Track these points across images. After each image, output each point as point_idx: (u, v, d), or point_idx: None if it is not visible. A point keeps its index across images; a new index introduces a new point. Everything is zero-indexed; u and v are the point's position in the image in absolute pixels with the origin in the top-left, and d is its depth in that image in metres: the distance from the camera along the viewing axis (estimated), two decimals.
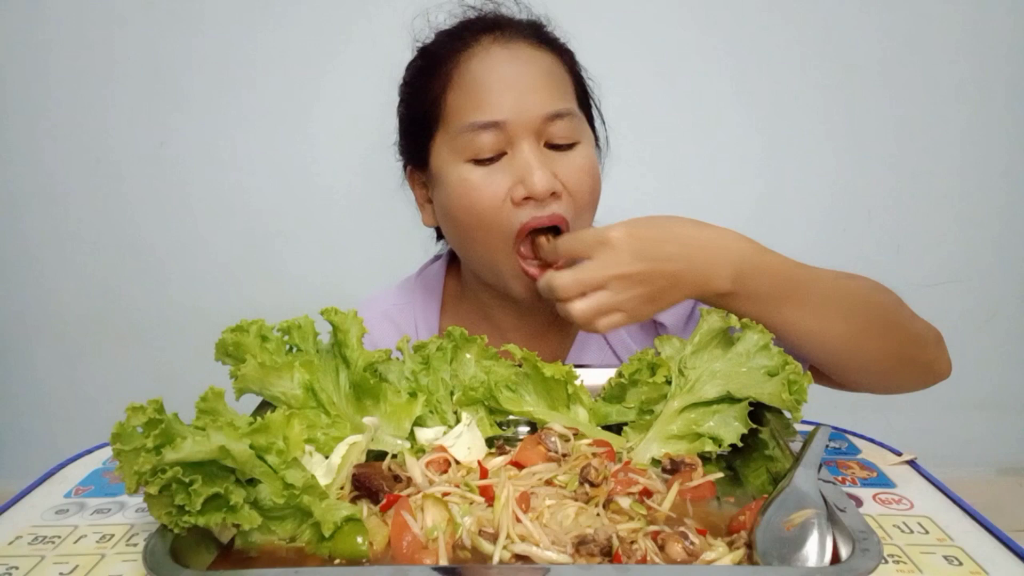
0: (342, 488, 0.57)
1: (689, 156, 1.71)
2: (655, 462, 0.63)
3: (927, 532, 0.54)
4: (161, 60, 1.67)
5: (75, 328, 1.85)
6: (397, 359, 0.72)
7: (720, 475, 0.60)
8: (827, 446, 0.58)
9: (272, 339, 0.66)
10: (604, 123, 0.90)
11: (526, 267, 0.77)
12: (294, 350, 0.67)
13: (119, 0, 1.63)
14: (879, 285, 0.74)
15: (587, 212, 0.81)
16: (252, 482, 0.51)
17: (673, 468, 0.60)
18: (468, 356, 0.72)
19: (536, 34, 0.82)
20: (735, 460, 0.64)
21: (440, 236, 0.95)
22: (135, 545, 0.55)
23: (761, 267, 0.68)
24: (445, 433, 0.66)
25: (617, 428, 0.69)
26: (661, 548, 0.48)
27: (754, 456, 0.62)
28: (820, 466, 0.53)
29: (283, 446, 0.52)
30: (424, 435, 0.66)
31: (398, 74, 0.88)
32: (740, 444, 0.62)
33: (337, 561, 0.50)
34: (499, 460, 0.62)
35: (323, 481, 0.56)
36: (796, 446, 0.57)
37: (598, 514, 0.53)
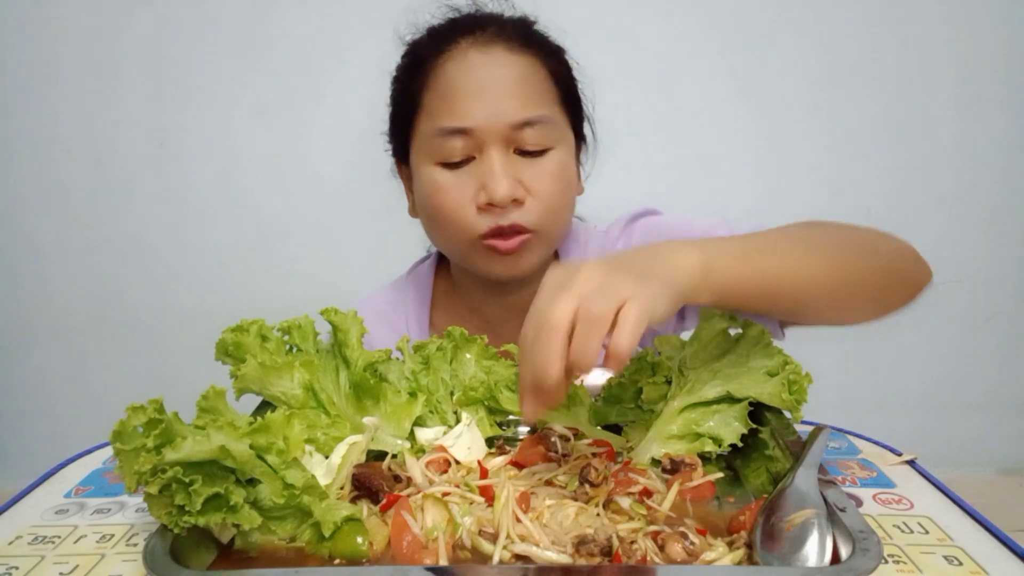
0: (342, 488, 0.57)
1: (688, 156, 1.71)
2: (655, 462, 0.63)
3: (927, 532, 0.54)
4: (162, 60, 1.67)
5: (76, 328, 1.85)
6: (397, 359, 0.72)
7: (720, 475, 0.60)
8: (827, 446, 0.58)
9: (272, 339, 0.66)
10: (592, 122, 0.91)
11: (494, 244, 0.79)
12: (294, 350, 0.67)
13: (120, 0, 1.63)
14: (840, 223, 0.73)
15: (556, 216, 0.82)
16: (252, 482, 0.51)
17: (673, 468, 0.60)
18: (468, 356, 0.72)
19: (521, 34, 0.81)
20: (735, 460, 0.64)
21: None
22: (135, 545, 0.55)
23: (721, 239, 0.64)
24: (445, 433, 0.66)
25: (617, 428, 0.69)
26: (661, 548, 0.48)
27: (754, 456, 0.62)
28: (820, 466, 0.53)
29: (283, 446, 0.52)
30: (424, 435, 0.66)
31: None
32: (740, 444, 0.62)
33: (337, 561, 0.50)
34: (499, 460, 0.62)
35: (323, 481, 0.56)
36: (796, 446, 0.57)
37: (598, 514, 0.53)
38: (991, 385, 1.85)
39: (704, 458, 0.63)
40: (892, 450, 0.70)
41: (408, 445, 0.65)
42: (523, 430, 0.71)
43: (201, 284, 1.80)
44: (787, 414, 0.63)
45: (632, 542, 0.48)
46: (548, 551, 0.48)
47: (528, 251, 0.82)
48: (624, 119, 1.63)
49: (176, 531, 0.47)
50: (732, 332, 0.67)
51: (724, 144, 1.69)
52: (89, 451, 0.75)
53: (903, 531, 0.54)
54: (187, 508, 0.46)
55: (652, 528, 0.51)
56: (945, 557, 0.50)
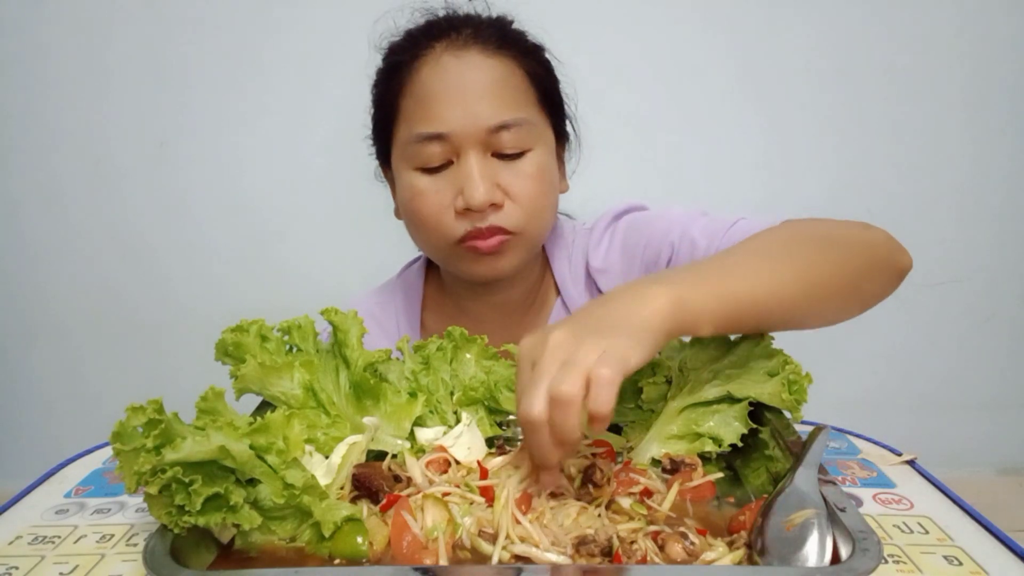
0: (342, 488, 0.57)
1: (689, 156, 1.71)
2: (655, 462, 0.63)
3: (927, 532, 0.54)
4: (161, 60, 1.67)
5: (75, 328, 1.85)
6: (397, 359, 0.72)
7: (720, 475, 0.60)
8: (827, 446, 0.58)
9: (272, 339, 0.66)
10: (575, 120, 0.91)
11: (474, 244, 0.80)
12: (294, 350, 0.67)
13: (119, 1, 1.63)
14: (808, 220, 0.72)
15: (537, 217, 0.83)
16: (252, 482, 0.51)
17: (673, 468, 0.60)
18: (468, 356, 0.72)
19: (497, 35, 0.82)
20: (735, 460, 0.64)
21: None
22: (135, 545, 0.55)
23: (687, 268, 0.64)
24: (445, 433, 0.66)
25: (617, 428, 0.69)
26: (661, 548, 0.48)
27: (754, 456, 0.62)
28: (820, 466, 0.53)
29: (283, 446, 0.52)
30: (424, 435, 0.66)
31: None
32: (740, 444, 0.62)
33: (337, 561, 0.50)
34: (499, 460, 0.62)
35: (323, 481, 0.56)
36: (796, 446, 0.57)
37: (599, 515, 0.53)
38: (991, 385, 1.85)
39: (704, 458, 0.63)
40: (892, 450, 0.70)
41: (408, 445, 0.65)
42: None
43: (200, 284, 1.80)
44: (787, 414, 0.63)
45: (632, 542, 0.48)
46: (548, 552, 0.48)
47: (508, 252, 0.82)
48: (626, 119, 1.64)
49: (176, 531, 0.47)
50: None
51: (726, 143, 1.69)
52: (89, 451, 0.75)
53: (903, 531, 0.54)
54: (187, 508, 0.46)
55: (652, 528, 0.51)
56: (945, 557, 0.50)
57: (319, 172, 1.72)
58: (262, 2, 1.63)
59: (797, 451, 0.56)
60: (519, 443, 0.64)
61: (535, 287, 0.94)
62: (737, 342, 0.66)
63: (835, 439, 0.72)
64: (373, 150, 0.91)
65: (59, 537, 0.57)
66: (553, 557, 0.48)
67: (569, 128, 0.91)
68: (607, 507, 0.54)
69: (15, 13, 1.64)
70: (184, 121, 1.70)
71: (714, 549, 0.48)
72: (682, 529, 0.49)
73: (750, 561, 0.47)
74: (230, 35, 1.65)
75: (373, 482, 0.56)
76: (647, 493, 0.56)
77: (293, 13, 1.64)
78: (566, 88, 0.88)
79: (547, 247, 0.94)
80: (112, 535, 0.57)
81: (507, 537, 0.49)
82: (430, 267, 1.01)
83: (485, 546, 0.49)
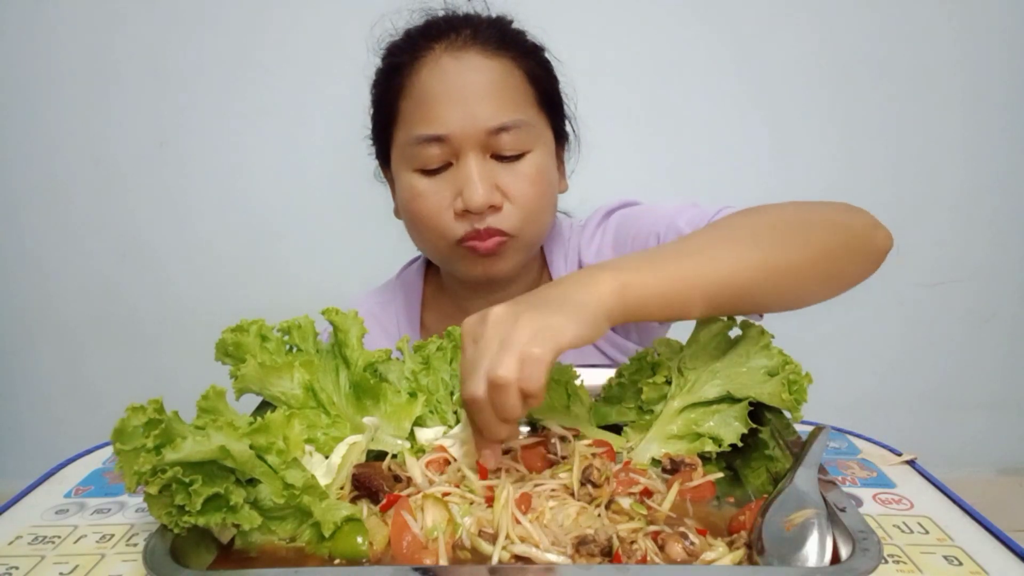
0: (342, 488, 0.57)
1: (688, 155, 1.71)
2: (655, 462, 0.63)
3: (927, 532, 0.54)
4: (161, 60, 1.67)
5: (75, 328, 1.85)
6: (397, 359, 0.72)
7: (720, 475, 0.60)
8: (827, 446, 0.58)
9: (272, 339, 0.66)
10: (574, 120, 0.91)
11: (472, 245, 0.80)
12: (294, 350, 0.67)
13: (120, 0, 1.63)
14: (783, 203, 0.70)
15: (536, 219, 0.83)
16: (252, 482, 0.51)
17: (673, 468, 0.60)
18: None
19: (496, 36, 0.81)
20: (735, 460, 0.64)
21: None
22: (135, 545, 0.55)
23: (639, 254, 0.63)
24: (445, 433, 0.66)
25: (617, 428, 0.69)
26: (661, 548, 0.48)
27: (754, 456, 0.62)
28: (820, 466, 0.53)
29: (283, 446, 0.52)
30: (424, 435, 0.66)
31: None
32: (740, 444, 0.62)
33: (337, 561, 0.50)
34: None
35: (323, 481, 0.56)
36: (796, 446, 0.57)
37: (599, 515, 0.53)
38: (991, 385, 1.85)
39: (704, 458, 0.63)
40: (892, 450, 0.70)
41: (408, 445, 0.65)
42: (523, 430, 0.70)
43: (201, 284, 1.80)
44: (787, 414, 0.63)
45: (632, 542, 0.48)
46: (548, 552, 0.48)
47: (506, 254, 0.82)
48: (626, 119, 1.64)
49: (176, 531, 0.47)
50: (732, 332, 0.67)
51: (725, 143, 1.69)
52: (89, 451, 0.75)
53: (903, 531, 0.54)
54: (187, 508, 0.46)
55: (652, 528, 0.51)
56: (945, 557, 0.50)
57: (319, 172, 1.72)
58: (262, 2, 1.63)
59: (797, 451, 0.56)
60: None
61: (533, 285, 0.94)
62: (737, 341, 0.66)
63: (835, 439, 0.72)
64: (373, 150, 0.91)
65: (59, 537, 0.57)
66: (553, 557, 0.48)
67: (568, 128, 0.91)
68: (607, 507, 0.54)
69: (15, 13, 1.64)
70: (184, 121, 1.70)
71: (714, 549, 0.48)
72: (682, 529, 0.49)
73: (750, 561, 0.47)
74: (230, 35, 1.65)
75: (373, 482, 0.56)
76: (647, 493, 0.56)
77: (293, 13, 1.63)
78: (565, 88, 0.88)
79: (545, 245, 0.94)
80: (112, 535, 0.57)
81: (507, 537, 0.49)
82: (429, 267, 1.01)
83: (485, 546, 0.49)
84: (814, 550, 0.45)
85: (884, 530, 0.54)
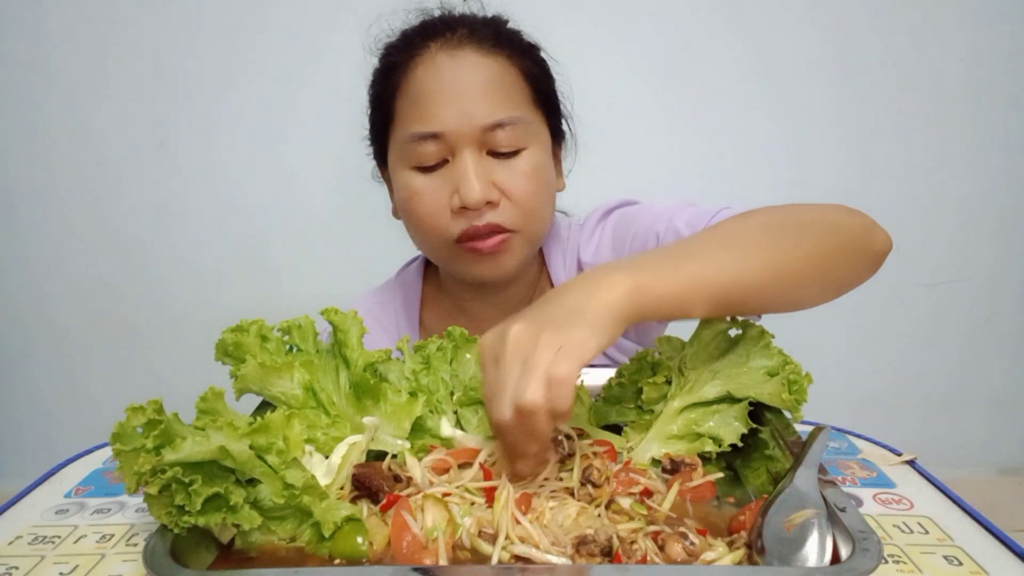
0: (342, 488, 0.57)
1: (686, 154, 1.71)
2: (655, 462, 0.63)
3: (927, 532, 0.54)
4: (161, 60, 1.66)
5: (75, 328, 1.85)
6: (397, 359, 0.72)
7: (720, 475, 0.60)
8: (827, 446, 0.58)
9: (272, 339, 0.66)
10: (570, 119, 0.91)
11: (474, 245, 0.80)
12: (294, 350, 0.67)
13: (118, 1, 1.63)
14: (783, 205, 0.70)
15: (534, 215, 0.83)
16: (252, 482, 0.51)
17: (673, 468, 0.60)
18: (468, 356, 0.72)
19: (492, 34, 0.82)
20: (735, 460, 0.64)
21: None
22: (135, 545, 0.55)
23: (650, 253, 0.63)
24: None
25: (617, 428, 0.69)
26: (661, 548, 0.48)
27: (754, 456, 0.62)
28: (820, 466, 0.53)
29: (283, 446, 0.52)
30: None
31: None
32: (740, 444, 0.62)
33: (337, 561, 0.50)
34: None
35: (323, 481, 0.56)
36: (796, 446, 0.57)
37: (599, 515, 0.53)
38: (992, 385, 1.85)
39: (704, 458, 0.62)
40: (892, 450, 0.70)
41: (408, 445, 0.65)
42: None
43: (200, 284, 1.80)
44: (787, 414, 0.63)
45: (632, 542, 0.48)
46: (548, 552, 0.48)
47: (509, 251, 0.82)
48: (628, 119, 1.64)
49: (176, 531, 0.47)
50: (732, 332, 0.67)
51: (723, 142, 1.69)
52: (89, 451, 0.75)
53: (903, 531, 0.54)
54: (187, 508, 0.46)
55: (652, 528, 0.51)
56: (945, 557, 0.50)
57: (318, 172, 1.72)
58: (261, 4, 1.63)
59: (797, 451, 0.56)
60: None
61: (532, 284, 0.94)
62: (737, 341, 0.66)
63: (835, 439, 0.72)
64: (371, 151, 0.92)
65: (59, 537, 0.57)
66: (553, 557, 0.48)
67: (565, 127, 0.91)
68: (607, 507, 0.54)
69: (15, 13, 1.64)
70: (183, 121, 1.70)
71: (714, 549, 0.48)
72: (682, 529, 0.49)
73: (750, 561, 0.47)
74: (229, 36, 1.65)
75: (373, 482, 0.56)
76: (647, 493, 0.56)
77: (292, 14, 1.63)
78: (562, 87, 0.89)
79: (544, 245, 0.94)
80: (112, 535, 0.57)
81: (507, 537, 0.49)
82: (428, 266, 1.01)
83: (485, 546, 0.49)
84: (814, 550, 0.45)
85: (884, 530, 0.54)
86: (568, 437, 0.63)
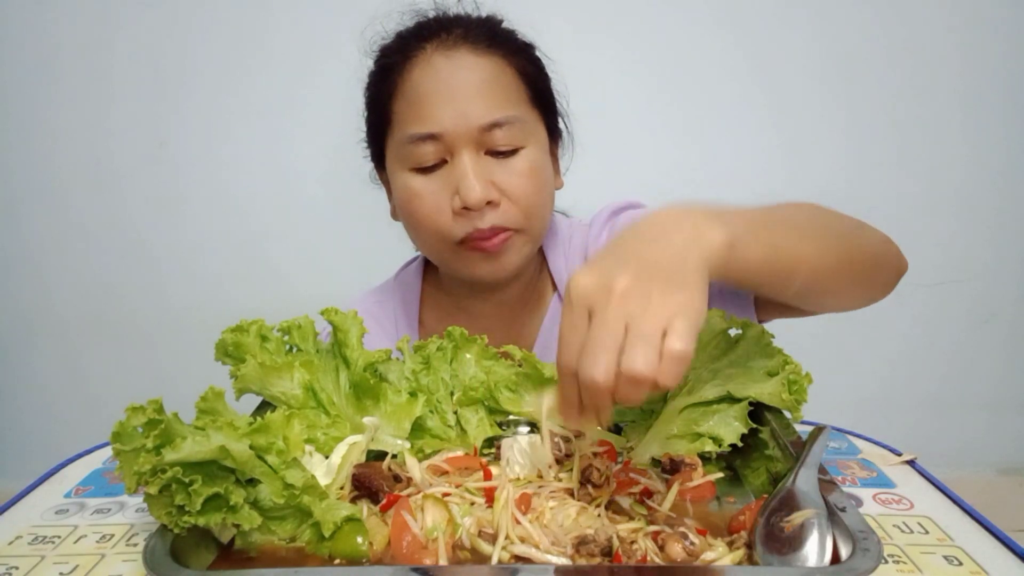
0: (342, 488, 0.57)
1: (689, 155, 1.71)
2: (655, 462, 0.63)
3: (927, 532, 0.54)
4: (161, 60, 1.66)
5: (75, 328, 1.85)
6: (397, 359, 0.72)
7: (720, 475, 0.60)
8: (827, 446, 0.58)
9: (272, 339, 0.66)
10: (567, 118, 0.91)
11: (479, 244, 0.80)
12: (294, 350, 0.67)
13: (119, 1, 1.63)
14: (829, 208, 0.69)
15: (534, 213, 0.83)
16: (252, 482, 0.51)
17: (673, 468, 0.60)
18: (468, 356, 0.72)
19: (487, 34, 0.82)
20: (735, 460, 0.64)
21: None
22: (135, 545, 0.55)
23: (738, 212, 0.59)
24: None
25: (617, 428, 0.69)
26: (661, 548, 0.48)
27: (754, 456, 0.62)
28: (820, 466, 0.53)
29: (283, 446, 0.52)
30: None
31: None
32: (740, 444, 0.62)
33: (337, 561, 0.50)
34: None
35: (323, 481, 0.56)
36: (796, 446, 0.57)
37: (599, 515, 0.53)
38: (991, 385, 1.85)
39: (704, 458, 0.63)
40: (892, 450, 0.70)
41: (408, 445, 0.65)
42: (523, 430, 0.71)
43: (200, 284, 1.80)
44: (787, 414, 0.63)
45: (632, 542, 0.48)
46: (548, 552, 0.48)
47: (512, 250, 0.82)
48: (626, 118, 1.64)
49: (176, 531, 0.47)
50: (732, 332, 0.67)
51: (720, 140, 1.69)
52: (89, 451, 0.75)
53: (903, 531, 0.54)
54: (187, 508, 0.46)
55: (652, 528, 0.51)
56: (945, 557, 0.50)
57: (319, 173, 1.71)
58: (261, 3, 1.63)
59: (797, 451, 0.56)
60: None
61: (532, 284, 0.94)
62: (737, 341, 0.66)
63: (835, 439, 0.72)
64: (368, 153, 0.92)
65: (59, 537, 0.57)
66: (553, 557, 0.48)
67: (562, 125, 0.91)
68: (607, 507, 0.54)
69: (16, 14, 1.64)
70: (184, 121, 1.70)
71: (714, 549, 0.48)
72: (682, 529, 0.49)
73: (750, 561, 0.47)
74: (230, 36, 1.65)
75: (373, 482, 0.56)
76: (647, 493, 0.56)
77: (291, 15, 1.63)
78: (558, 85, 0.89)
79: (543, 244, 0.94)
80: (112, 535, 0.57)
81: (507, 537, 0.49)
82: (427, 266, 1.01)
83: (485, 546, 0.49)
84: (814, 550, 0.45)
85: (884, 530, 0.54)
86: (565, 439, 0.63)
